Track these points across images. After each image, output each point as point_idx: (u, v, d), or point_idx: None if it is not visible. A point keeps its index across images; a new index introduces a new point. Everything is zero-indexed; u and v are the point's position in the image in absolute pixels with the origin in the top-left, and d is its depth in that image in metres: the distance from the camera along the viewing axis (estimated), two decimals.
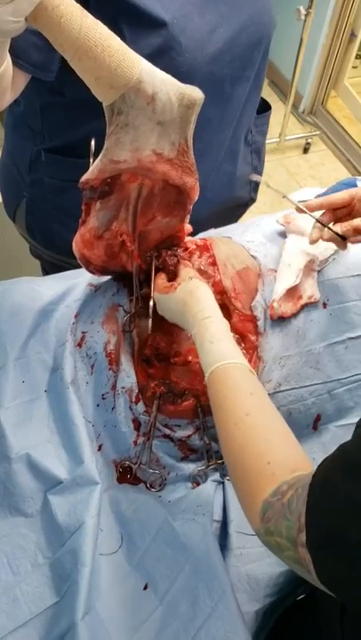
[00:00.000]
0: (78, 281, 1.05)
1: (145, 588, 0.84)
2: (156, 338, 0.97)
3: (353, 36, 3.04)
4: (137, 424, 0.93)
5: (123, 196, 0.85)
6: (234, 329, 0.94)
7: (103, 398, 0.94)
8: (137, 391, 0.92)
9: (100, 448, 0.94)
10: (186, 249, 0.97)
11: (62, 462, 0.89)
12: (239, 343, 0.94)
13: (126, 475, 0.95)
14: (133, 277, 0.95)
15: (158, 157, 0.80)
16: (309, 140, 3.13)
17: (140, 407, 0.92)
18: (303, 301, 0.97)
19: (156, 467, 0.94)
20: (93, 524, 0.83)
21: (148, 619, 0.82)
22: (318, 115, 3.29)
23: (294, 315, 0.97)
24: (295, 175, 3.03)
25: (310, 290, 0.98)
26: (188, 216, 0.93)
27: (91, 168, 0.82)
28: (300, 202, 1.28)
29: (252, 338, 0.95)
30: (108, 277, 1.01)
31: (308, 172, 3.06)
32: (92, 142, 0.84)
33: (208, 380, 0.77)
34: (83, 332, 0.97)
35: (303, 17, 2.63)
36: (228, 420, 0.72)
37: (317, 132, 3.20)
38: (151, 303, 0.92)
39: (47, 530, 0.86)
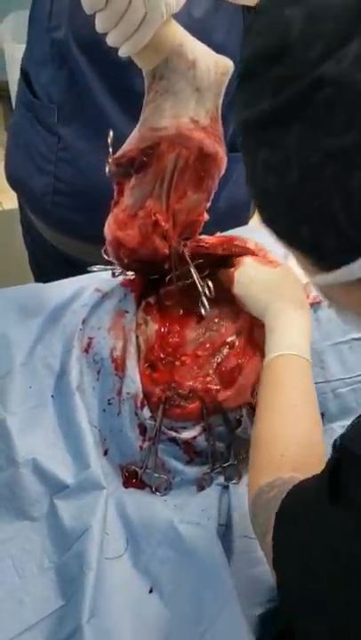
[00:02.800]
0: (85, 286, 1.06)
1: (150, 591, 0.85)
2: (163, 343, 0.98)
3: None
4: (143, 428, 0.94)
5: (160, 168, 0.86)
6: (242, 324, 0.96)
7: (109, 403, 0.95)
8: (142, 397, 0.93)
9: (105, 453, 0.95)
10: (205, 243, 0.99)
11: (68, 467, 0.90)
12: (249, 339, 0.96)
13: (132, 479, 0.96)
14: (171, 257, 0.96)
15: (195, 125, 0.83)
16: None
17: (146, 412, 0.92)
18: (309, 301, 0.98)
19: (162, 471, 0.95)
20: (99, 528, 0.84)
21: (153, 622, 0.82)
22: None
23: None
24: None
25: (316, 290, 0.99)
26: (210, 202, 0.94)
27: (127, 141, 0.84)
28: None
29: (261, 333, 0.96)
30: (116, 283, 1.02)
31: None
32: (111, 133, 0.86)
33: (266, 364, 0.79)
34: (89, 338, 0.98)
35: None
36: (272, 403, 0.76)
37: None
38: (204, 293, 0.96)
39: (53, 534, 0.87)
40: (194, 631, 0.81)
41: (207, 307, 0.96)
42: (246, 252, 1.00)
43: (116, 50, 1.02)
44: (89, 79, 1.08)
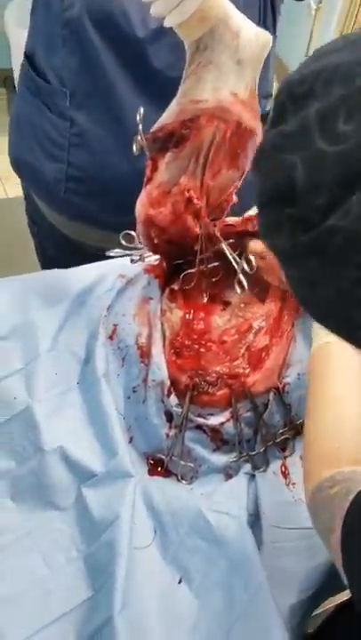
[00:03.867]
0: (106, 272, 1.04)
1: (179, 581, 0.84)
2: (188, 330, 0.96)
3: None
4: (169, 416, 0.92)
5: (197, 143, 0.85)
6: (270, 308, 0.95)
7: (134, 391, 0.94)
8: (168, 384, 0.91)
9: (130, 440, 0.93)
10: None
11: (96, 455, 0.88)
12: (278, 322, 0.94)
13: (157, 467, 0.94)
14: (200, 236, 0.94)
15: (235, 98, 0.82)
16: None
17: (173, 400, 0.91)
18: None
19: (188, 459, 0.93)
20: (129, 516, 0.83)
21: (183, 613, 0.81)
22: None
23: None
24: None
25: None
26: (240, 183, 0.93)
27: (164, 115, 0.82)
28: None
29: (290, 319, 0.95)
30: (139, 269, 1.00)
31: None
32: (141, 109, 0.84)
33: (314, 350, 0.78)
34: (114, 325, 0.96)
35: (313, 12, 2.62)
36: (321, 396, 0.74)
37: None
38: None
39: (81, 523, 0.85)
40: (224, 622, 0.80)
41: (245, 284, 0.91)
42: None
43: (131, 27, 1.00)
44: (103, 59, 1.05)
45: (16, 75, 2.77)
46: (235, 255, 0.94)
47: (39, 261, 1.57)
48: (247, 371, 0.91)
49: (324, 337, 0.78)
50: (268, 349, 0.92)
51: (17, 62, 2.72)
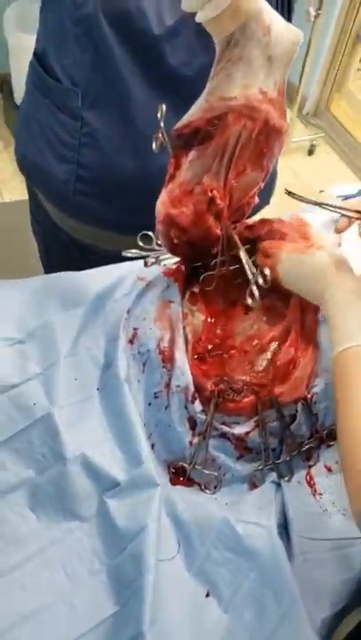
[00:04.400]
0: (124, 275, 1.01)
1: (207, 595, 0.81)
2: (210, 334, 0.94)
3: (359, 38, 3.04)
4: (193, 423, 0.89)
5: (223, 141, 0.83)
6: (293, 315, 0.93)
7: (156, 397, 0.91)
8: (193, 390, 0.88)
9: (152, 448, 0.90)
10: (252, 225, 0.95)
11: (118, 463, 0.85)
12: (301, 331, 0.92)
13: (179, 476, 0.91)
14: (221, 237, 0.91)
15: (263, 96, 0.80)
16: (314, 142, 3.12)
17: (197, 406, 0.88)
18: None
19: (212, 467, 0.91)
20: (155, 527, 0.79)
21: (212, 628, 0.78)
22: (322, 117, 3.29)
23: None
24: (301, 176, 3.01)
25: None
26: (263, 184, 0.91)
27: (190, 112, 0.80)
28: (339, 196, 1.26)
29: (313, 324, 0.92)
30: (158, 272, 0.98)
31: (314, 173, 3.05)
32: (163, 107, 0.82)
33: (335, 359, 0.75)
34: (134, 329, 0.93)
35: (313, 18, 2.62)
36: (350, 406, 0.71)
37: (322, 134, 3.19)
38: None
39: (104, 534, 0.82)
40: (256, 636, 0.77)
41: (257, 296, 0.89)
42: (283, 236, 0.95)
43: (147, 23, 0.98)
44: (117, 57, 1.03)
45: (14, 79, 2.76)
46: (251, 264, 0.91)
47: (42, 265, 1.54)
48: (274, 381, 0.89)
49: (344, 342, 0.76)
50: (294, 361, 0.90)
51: (16, 66, 2.71)
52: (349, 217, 0.89)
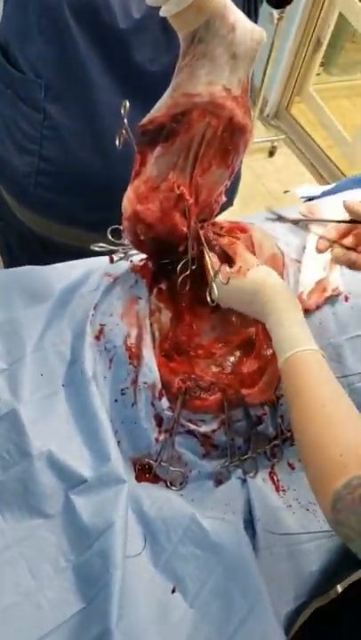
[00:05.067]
0: (91, 270, 1.00)
1: (173, 590, 0.81)
2: (177, 331, 0.94)
3: (319, 42, 3.09)
4: (159, 420, 0.89)
5: (188, 138, 0.83)
6: None
7: (122, 393, 0.90)
8: (160, 387, 0.88)
9: (118, 444, 0.89)
10: (221, 227, 0.94)
11: (85, 460, 0.84)
12: (265, 334, 0.92)
13: (145, 473, 0.91)
14: (189, 235, 0.90)
15: (227, 93, 0.80)
16: (275, 144, 3.15)
17: (164, 403, 0.88)
18: (328, 294, 0.96)
19: (178, 464, 0.91)
20: (123, 524, 0.79)
21: (179, 623, 0.78)
22: (282, 119, 3.32)
23: (318, 307, 0.96)
24: (261, 177, 3.04)
25: (335, 282, 0.97)
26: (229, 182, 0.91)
27: (155, 107, 0.80)
28: (302, 198, 1.28)
29: None
30: (126, 268, 0.97)
31: (274, 174, 3.08)
32: (127, 103, 0.82)
33: (283, 366, 0.76)
34: (101, 325, 0.92)
35: (276, 21, 2.64)
36: (303, 410, 0.73)
37: (283, 137, 3.22)
38: (213, 277, 0.88)
39: (70, 531, 0.81)
40: (223, 632, 0.77)
41: (216, 293, 0.87)
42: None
43: (113, 17, 0.97)
44: (82, 51, 1.01)
45: None
46: (213, 263, 0.91)
47: (3, 261, 1.51)
48: (242, 383, 0.90)
49: (288, 350, 0.77)
50: (261, 370, 0.90)
51: None
52: (346, 222, 0.88)
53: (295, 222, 0.97)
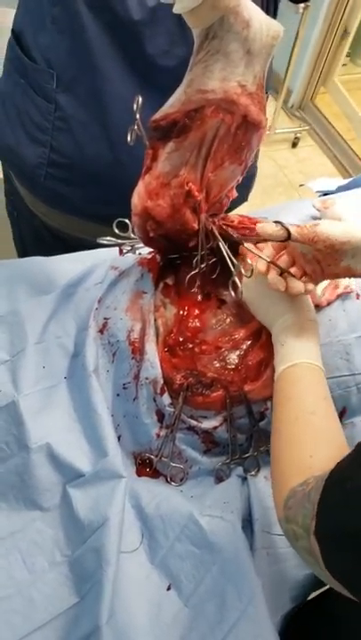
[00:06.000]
0: (97, 263, 0.99)
1: (168, 588, 0.80)
2: (181, 327, 0.92)
3: (346, 33, 3.03)
4: (160, 415, 0.88)
5: (200, 134, 0.81)
6: None
7: (124, 388, 0.89)
8: (162, 382, 0.87)
9: (118, 439, 0.89)
10: (231, 221, 0.93)
11: (84, 454, 0.84)
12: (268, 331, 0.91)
13: (145, 467, 0.91)
14: (199, 233, 0.89)
15: (242, 90, 0.78)
16: (298, 135, 3.11)
17: (166, 399, 0.87)
18: (340, 291, 0.94)
19: (178, 460, 0.90)
20: (118, 520, 0.79)
21: (172, 621, 0.78)
22: (307, 110, 3.27)
23: (329, 303, 0.94)
24: (284, 168, 3.00)
25: (347, 280, 0.95)
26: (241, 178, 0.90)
27: (168, 102, 0.78)
28: (318, 192, 1.25)
29: None
30: (132, 261, 0.96)
31: (297, 166, 3.04)
32: (139, 98, 0.81)
33: (281, 373, 0.75)
34: (105, 319, 0.91)
35: (301, 10, 2.60)
36: (291, 413, 0.72)
37: (306, 127, 3.18)
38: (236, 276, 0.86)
39: (66, 526, 0.81)
40: (216, 631, 0.76)
41: (240, 288, 0.86)
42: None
43: (126, 7, 0.96)
44: (94, 42, 1.00)
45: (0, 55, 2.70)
46: (231, 255, 0.90)
47: (16, 250, 1.51)
48: (244, 378, 0.88)
49: (288, 361, 0.78)
50: (266, 362, 0.89)
51: (1, 43, 2.64)
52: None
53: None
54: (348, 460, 0.59)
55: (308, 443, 0.69)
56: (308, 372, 0.76)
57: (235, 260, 0.86)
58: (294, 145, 3.12)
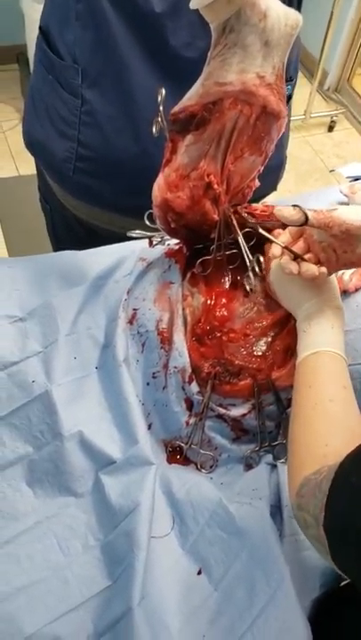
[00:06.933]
0: (125, 255, 1.01)
1: (199, 572, 0.82)
2: (209, 316, 0.94)
3: None
4: (189, 404, 0.90)
5: (219, 126, 0.82)
6: None
7: (154, 377, 0.91)
8: (190, 371, 0.89)
9: (149, 427, 0.91)
10: (255, 210, 0.94)
11: (115, 441, 0.86)
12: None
13: (176, 455, 0.92)
14: (218, 223, 0.91)
15: (261, 81, 0.79)
16: (334, 118, 3.07)
17: (194, 387, 0.88)
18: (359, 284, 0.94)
19: (208, 448, 0.91)
20: (149, 505, 0.81)
21: (202, 605, 0.79)
22: (343, 92, 3.22)
23: (357, 289, 0.94)
24: (320, 153, 2.97)
25: None
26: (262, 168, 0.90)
27: (187, 95, 0.80)
28: (348, 177, 1.24)
29: None
30: (160, 252, 0.98)
31: (333, 150, 3.00)
32: (162, 90, 0.82)
33: (302, 360, 0.76)
34: (134, 309, 0.93)
35: None
36: (310, 400, 0.73)
37: (342, 110, 3.13)
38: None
39: (99, 511, 0.83)
40: (245, 616, 0.78)
41: (253, 283, 0.90)
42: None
43: (148, 1, 0.96)
44: (118, 36, 1.01)
45: (30, 51, 2.74)
46: (247, 250, 0.91)
47: (50, 241, 1.55)
48: (272, 365, 0.89)
49: (310, 349, 0.78)
50: (292, 348, 0.89)
51: (31, 38, 2.68)
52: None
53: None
54: (356, 451, 0.59)
55: (324, 431, 0.70)
56: (329, 360, 0.76)
57: (250, 256, 0.86)
58: (330, 129, 3.08)
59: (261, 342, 0.92)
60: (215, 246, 0.94)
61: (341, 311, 0.84)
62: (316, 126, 3.08)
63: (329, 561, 0.61)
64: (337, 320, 0.82)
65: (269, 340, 0.92)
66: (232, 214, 0.91)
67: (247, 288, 0.94)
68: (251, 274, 0.93)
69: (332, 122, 3.07)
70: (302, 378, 0.76)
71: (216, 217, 0.91)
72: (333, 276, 0.87)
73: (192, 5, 0.70)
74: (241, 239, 0.92)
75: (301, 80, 3.14)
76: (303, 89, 2.88)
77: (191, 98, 0.79)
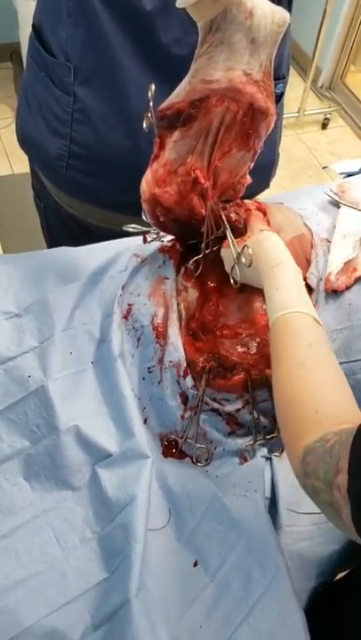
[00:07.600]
0: (121, 252, 1.02)
1: (195, 564, 0.83)
2: (203, 311, 0.94)
3: None
4: (184, 398, 0.91)
5: (206, 123, 0.83)
6: None
7: (149, 372, 0.92)
8: (185, 365, 0.90)
9: (145, 421, 0.92)
10: (242, 207, 0.94)
11: (111, 435, 0.87)
12: None
13: (172, 449, 0.93)
14: (206, 218, 0.91)
15: (248, 78, 0.80)
16: (328, 116, 3.08)
17: (189, 381, 0.89)
18: (358, 274, 0.95)
19: (203, 441, 0.92)
20: (145, 498, 0.82)
21: (198, 596, 0.80)
22: (337, 90, 3.23)
23: (347, 287, 0.95)
24: (314, 151, 2.98)
25: None
26: (252, 164, 0.91)
27: (174, 93, 0.80)
28: (341, 173, 1.25)
29: None
30: (154, 248, 0.98)
31: (327, 147, 3.01)
32: (152, 86, 0.82)
33: (270, 329, 0.76)
34: (129, 305, 0.94)
35: None
36: (282, 370, 0.72)
37: (336, 108, 3.14)
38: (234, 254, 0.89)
39: (95, 504, 0.84)
40: (242, 606, 0.79)
41: (238, 276, 0.88)
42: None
43: (139, 0, 0.97)
44: (109, 33, 1.02)
45: (23, 49, 2.74)
46: (235, 244, 0.90)
47: (45, 239, 1.55)
48: (266, 364, 0.90)
49: (282, 309, 0.76)
50: None
51: (25, 36, 2.68)
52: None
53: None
54: None
55: (308, 399, 0.68)
56: (299, 322, 0.75)
57: (238, 249, 0.87)
58: (324, 126, 3.09)
59: (257, 339, 0.92)
60: (204, 242, 0.94)
61: (286, 265, 0.82)
62: (309, 124, 3.09)
63: (341, 524, 0.60)
64: (298, 279, 0.80)
65: (264, 336, 0.93)
66: (220, 210, 0.92)
67: (231, 282, 0.92)
68: (237, 267, 0.92)
69: (325, 119, 3.08)
70: (272, 347, 0.75)
71: (203, 212, 0.91)
72: (273, 237, 0.87)
73: (178, 4, 0.71)
74: (229, 233, 0.92)
75: (295, 77, 3.15)
76: (297, 86, 2.90)
77: (178, 95, 0.80)
